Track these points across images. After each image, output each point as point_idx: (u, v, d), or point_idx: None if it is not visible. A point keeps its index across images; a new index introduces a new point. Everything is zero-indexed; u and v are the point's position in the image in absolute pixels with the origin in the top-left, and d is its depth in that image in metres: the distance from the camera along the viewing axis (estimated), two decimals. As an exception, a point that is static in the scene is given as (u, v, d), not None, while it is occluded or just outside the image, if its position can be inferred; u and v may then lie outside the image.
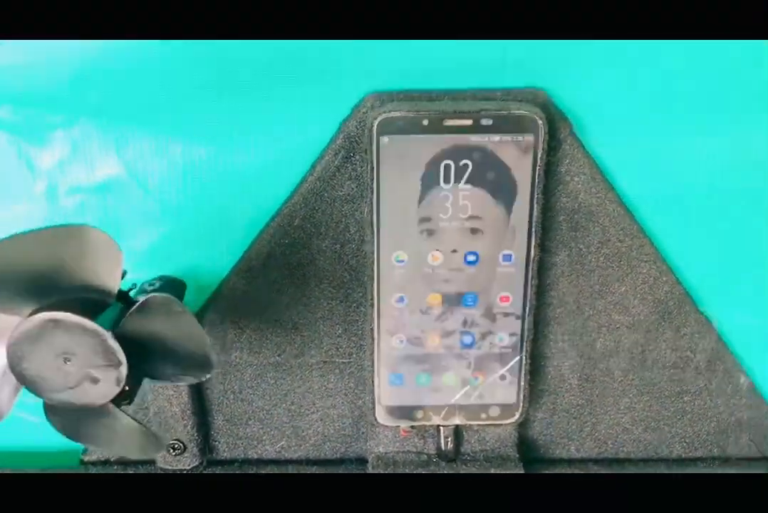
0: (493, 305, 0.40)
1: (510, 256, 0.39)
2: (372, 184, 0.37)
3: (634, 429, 0.45)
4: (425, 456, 0.44)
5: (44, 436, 0.46)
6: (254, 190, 0.39)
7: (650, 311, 0.42)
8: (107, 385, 0.29)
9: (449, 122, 0.36)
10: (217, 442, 0.45)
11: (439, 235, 0.38)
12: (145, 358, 0.30)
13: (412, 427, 0.43)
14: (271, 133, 0.38)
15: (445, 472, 0.43)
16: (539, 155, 0.36)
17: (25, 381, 0.29)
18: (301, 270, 0.40)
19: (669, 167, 0.40)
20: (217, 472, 0.45)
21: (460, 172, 0.37)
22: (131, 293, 0.34)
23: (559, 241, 0.40)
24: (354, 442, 0.45)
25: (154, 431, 0.31)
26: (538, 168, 0.37)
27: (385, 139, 0.36)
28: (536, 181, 0.37)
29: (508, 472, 0.43)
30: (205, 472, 0.44)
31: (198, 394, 0.43)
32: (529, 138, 0.36)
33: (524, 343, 0.40)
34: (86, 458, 0.46)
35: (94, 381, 0.29)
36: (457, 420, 0.42)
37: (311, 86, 0.37)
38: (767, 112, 0.38)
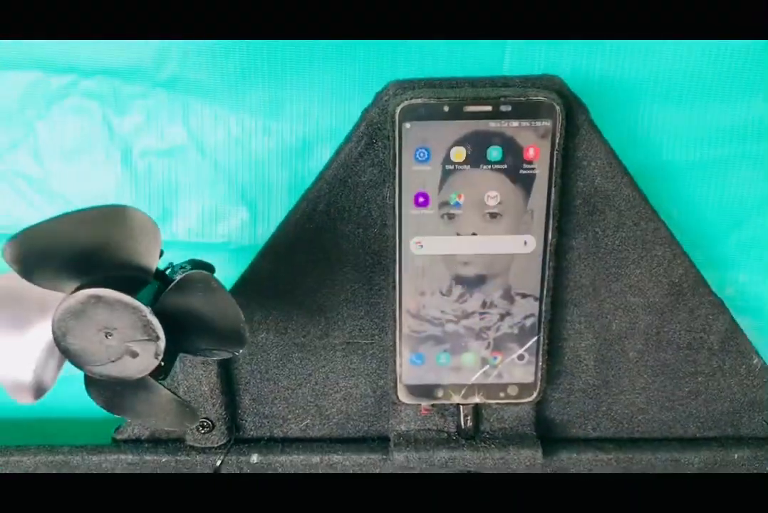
0: (512, 287, 0.41)
1: (528, 239, 0.40)
2: (394, 169, 0.38)
3: (649, 409, 0.46)
4: (445, 434, 0.45)
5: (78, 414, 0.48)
6: (293, 157, 0.44)
7: (665, 293, 0.43)
8: (146, 358, 0.30)
9: (469, 108, 0.37)
10: (243, 421, 0.47)
11: (458, 219, 0.39)
12: (181, 333, 0.31)
13: (433, 405, 0.44)
14: (308, 105, 0.43)
15: (465, 449, 0.44)
16: (557, 140, 0.38)
17: (69, 355, 0.30)
18: (325, 254, 0.42)
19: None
20: (243, 450, 0.46)
21: (479, 157, 0.38)
22: (167, 273, 0.35)
23: (576, 225, 0.41)
24: (376, 421, 0.47)
25: (189, 403, 0.33)
26: (555, 153, 0.38)
27: (407, 126, 0.37)
28: (554, 165, 0.38)
29: (526, 449, 0.44)
30: (231, 452, 0.46)
31: (226, 373, 0.45)
32: (547, 123, 0.37)
33: (542, 325, 0.42)
34: (118, 436, 0.47)
35: (134, 355, 0.30)
36: (477, 399, 0.43)
37: (337, 75, 0.41)
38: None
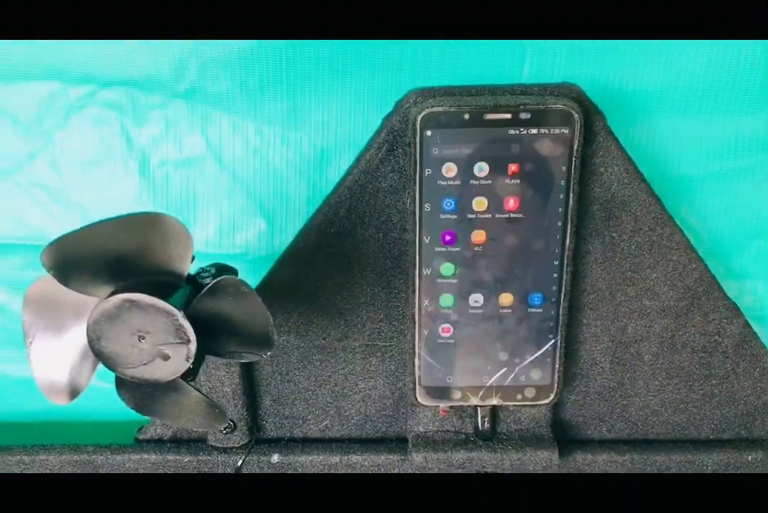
0: (530, 291, 0.41)
1: (547, 243, 0.40)
2: (415, 175, 0.39)
3: (663, 411, 0.47)
4: (463, 435, 0.46)
5: (110, 399, 0.49)
6: (311, 169, 0.44)
7: (680, 297, 0.43)
8: (177, 361, 0.31)
9: (489, 116, 0.38)
10: (264, 422, 0.48)
11: (478, 224, 0.40)
12: (211, 336, 0.32)
13: (451, 407, 0.45)
14: (326, 117, 0.43)
15: (483, 450, 0.45)
16: (575, 148, 0.38)
17: (102, 357, 0.31)
18: (345, 258, 0.43)
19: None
20: (263, 450, 0.47)
21: (499, 164, 0.39)
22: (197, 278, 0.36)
23: (593, 230, 0.42)
24: (394, 422, 0.47)
25: (219, 404, 0.33)
26: (574, 160, 0.38)
27: (428, 133, 0.38)
28: (572, 172, 0.39)
29: (542, 451, 0.45)
30: (252, 452, 0.47)
31: (248, 375, 0.45)
32: (566, 131, 0.38)
33: (559, 328, 0.42)
34: (141, 436, 0.48)
35: (165, 357, 0.31)
36: (494, 401, 0.44)
37: (356, 86, 0.42)
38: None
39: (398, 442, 0.47)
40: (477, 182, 0.39)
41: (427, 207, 0.40)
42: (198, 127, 0.43)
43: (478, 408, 0.45)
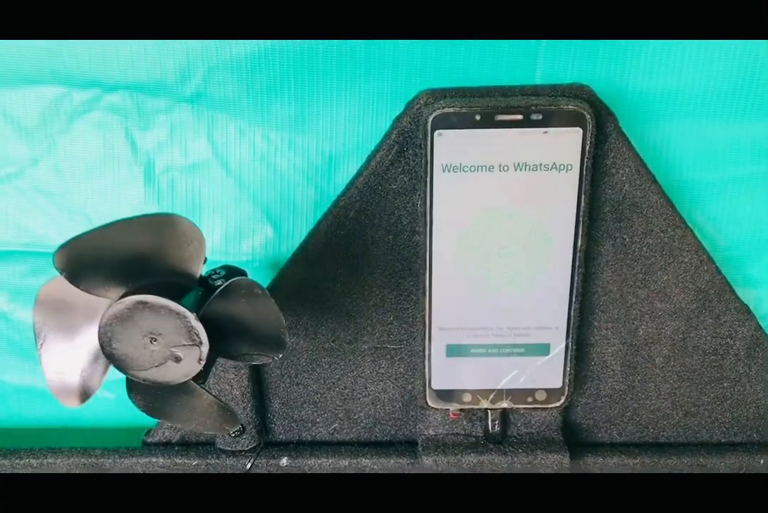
0: (541, 293, 0.41)
1: (558, 245, 0.40)
2: (426, 177, 0.39)
3: (674, 414, 0.46)
4: (473, 438, 0.46)
5: (116, 410, 0.49)
6: (318, 175, 0.43)
7: (691, 299, 0.43)
8: (189, 363, 0.31)
9: (501, 117, 0.38)
10: (273, 425, 0.47)
11: (489, 225, 0.40)
12: (223, 338, 0.32)
13: (461, 410, 0.44)
14: (335, 121, 0.42)
15: (493, 453, 0.45)
16: (587, 149, 0.38)
17: (114, 360, 0.31)
18: (355, 260, 0.42)
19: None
20: (272, 453, 0.47)
21: (510, 165, 0.38)
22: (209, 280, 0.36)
23: (605, 231, 0.41)
24: (404, 425, 0.47)
25: (230, 407, 0.33)
26: (585, 161, 0.38)
27: (438, 134, 0.38)
28: (584, 173, 0.39)
29: (553, 454, 0.44)
30: (261, 455, 0.47)
31: (257, 378, 0.45)
32: (577, 132, 0.38)
33: (570, 330, 0.42)
34: (149, 439, 0.48)
35: (177, 360, 0.31)
36: (505, 404, 0.44)
37: (368, 84, 0.41)
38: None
39: (408, 446, 0.47)
40: (488, 183, 0.39)
41: (437, 208, 0.39)
42: (204, 132, 0.42)
43: (489, 411, 0.45)
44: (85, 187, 0.44)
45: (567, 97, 0.38)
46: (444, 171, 0.39)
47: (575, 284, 0.41)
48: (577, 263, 0.41)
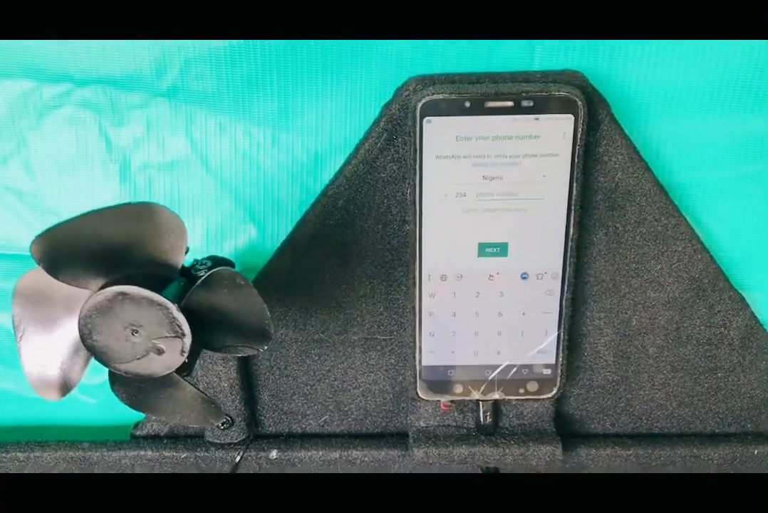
0: (533, 283, 0.41)
1: (550, 234, 0.40)
2: (415, 165, 0.38)
3: (668, 405, 0.46)
4: (465, 430, 0.45)
5: (97, 415, 0.48)
6: (304, 172, 0.41)
7: (685, 289, 0.43)
8: (172, 355, 0.31)
9: (491, 104, 0.37)
10: (263, 417, 0.47)
11: (480, 214, 0.39)
12: (206, 329, 0.31)
13: (452, 401, 0.44)
14: (320, 117, 0.40)
15: (485, 445, 0.44)
16: (579, 136, 0.37)
17: (95, 352, 0.31)
18: (344, 250, 0.42)
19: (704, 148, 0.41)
20: (262, 446, 0.46)
21: (501, 152, 0.38)
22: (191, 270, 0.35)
23: (597, 220, 0.41)
24: (395, 417, 0.47)
25: (214, 400, 0.33)
26: (577, 148, 0.38)
27: (428, 121, 0.37)
28: (576, 161, 0.38)
29: (545, 445, 0.44)
30: (250, 448, 0.46)
31: (246, 370, 0.45)
32: (569, 119, 0.37)
33: (562, 320, 0.42)
34: (137, 432, 0.47)
35: (160, 352, 0.31)
36: (496, 395, 0.43)
37: (355, 72, 0.39)
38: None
39: (399, 437, 0.47)
40: (478, 171, 0.38)
41: (427, 197, 0.39)
42: (182, 128, 0.40)
43: (480, 402, 0.44)
44: (58, 186, 0.42)
45: (559, 84, 0.37)
46: (433, 159, 0.38)
47: (567, 274, 0.40)
48: (569, 253, 0.40)
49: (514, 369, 0.43)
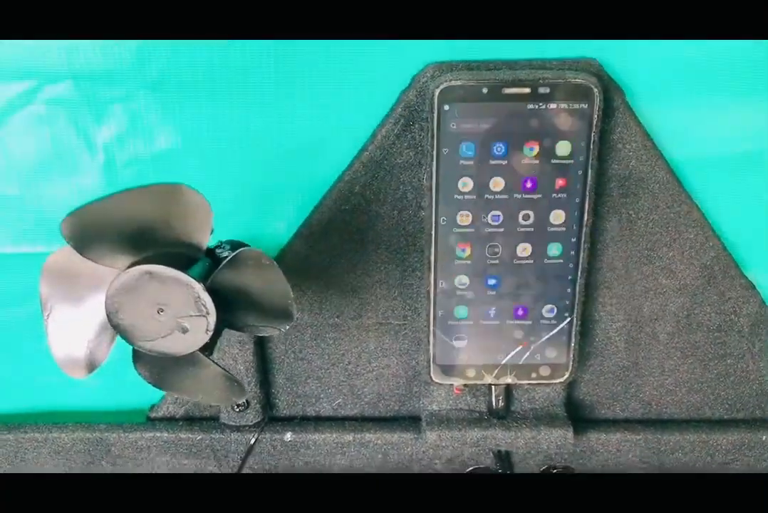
0: (546, 269, 0.41)
1: (564, 220, 0.40)
2: (432, 151, 0.38)
3: (678, 390, 0.47)
4: (477, 413, 0.46)
5: (112, 399, 0.49)
6: (316, 159, 0.41)
7: (696, 276, 0.43)
8: (196, 334, 0.31)
9: (508, 91, 0.37)
10: (277, 400, 0.47)
11: (495, 200, 0.40)
12: (230, 309, 0.32)
13: (465, 385, 0.45)
14: (331, 103, 0.40)
15: (497, 428, 0.45)
16: (594, 123, 0.38)
17: (120, 330, 0.31)
18: (359, 235, 0.42)
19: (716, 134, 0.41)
20: (276, 428, 0.47)
21: (517, 138, 0.38)
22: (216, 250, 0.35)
23: (610, 207, 0.41)
24: (407, 401, 0.47)
25: (237, 378, 0.33)
26: (593, 135, 0.38)
27: (445, 107, 0.38)
28: (591, 147, 0.38)
29: (557, 429, 0.45)
30: (265, 430, 0.47)
31: (261, 353, 0.45)
32: (585, 106, 0.38)
33: (575, 306, 0.42)
34: (153, 414, 0.48)
35: (184, 330, 0.31)
36: (509, 379, 0.44)
37: (372, 58, 0.39)
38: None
39: (412, 421, 0.47)
40: (494, 158, 0.39)
41: (443, 183, 0.39)
42: (170, 121, 0.38)
43: (493, 386, 0.45)
44: (36, 187, 0.40)
45: (575, 71, 0.38)
46: (450, 144, 0.38)
47: (580, 260, 0.41)
48: (582, 239, 0.40)
49: (527, 353, 0.43)
